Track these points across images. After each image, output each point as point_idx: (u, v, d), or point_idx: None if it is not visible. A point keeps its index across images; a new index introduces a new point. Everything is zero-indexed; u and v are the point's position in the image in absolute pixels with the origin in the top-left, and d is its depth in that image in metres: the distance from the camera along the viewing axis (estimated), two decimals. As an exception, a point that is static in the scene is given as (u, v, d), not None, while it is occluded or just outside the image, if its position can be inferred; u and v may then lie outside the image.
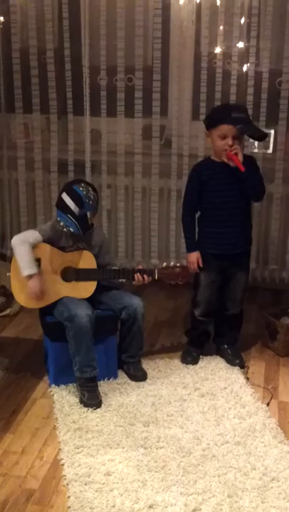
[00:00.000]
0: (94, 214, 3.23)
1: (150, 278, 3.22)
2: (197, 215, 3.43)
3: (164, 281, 3.27)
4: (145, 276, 3.21)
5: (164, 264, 3.30)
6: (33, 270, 3.11)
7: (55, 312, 3.18)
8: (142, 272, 3.22)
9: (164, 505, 2.41)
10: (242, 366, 3.47)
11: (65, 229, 3.12)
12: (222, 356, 3.54)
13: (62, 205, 3.13)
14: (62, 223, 3.12)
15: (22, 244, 3.12)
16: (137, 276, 3.20)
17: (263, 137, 3.36)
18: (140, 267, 3.28)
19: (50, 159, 4.48)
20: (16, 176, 4.59)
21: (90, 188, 3.18)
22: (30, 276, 3.11)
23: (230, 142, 3.14)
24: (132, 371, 3.34)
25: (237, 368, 3.45)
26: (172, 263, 3.31)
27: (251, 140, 4.06)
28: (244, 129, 3.18)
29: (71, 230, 3.11)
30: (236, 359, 3.50)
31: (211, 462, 2.66)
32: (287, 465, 2.65)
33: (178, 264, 3.30)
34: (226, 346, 3.55)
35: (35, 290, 3.12)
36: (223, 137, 3.16)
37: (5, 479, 2.58)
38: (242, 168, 3.12)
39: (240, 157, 3.15)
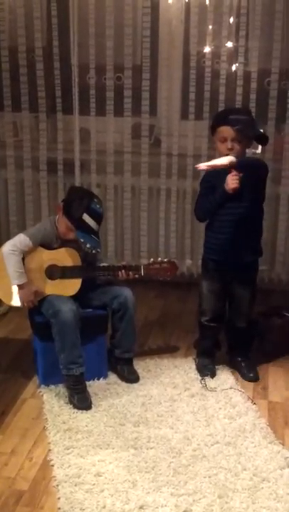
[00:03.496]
0: None
1: (136, 275, 3.20)
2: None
3: (150, 276, 3.24)
4: (130, 273, 3.19)
5: (151, 259, 3.27)
6: (23, 279, 3.12)
7: (43, 309, 3.17)
8: (127, 268, 3.21)
9: (154, 506, 2.41)
10: (256, 380, 3.35)
11: (87, 248, 3.07)
12: (236, 369, 3.43)
13: (84, 227, 3.07)
14: (82, 241, 3.06)
15: (13, 253, 3.10)
16: (121, 272, 3.19)
17: (263, 139, 3.17)
18: (125, 263, 3.27)
19: (40, 158, 4.46)
20: (5, 174, 4.57)
21: (97, 200, 3.15)
22: (20, 286, 3.12)
23: (229, 145, 3.03)
24: (126, 373, 3.32)
25: (227, 368, 3.44)
26: (159, 258, 3.28)
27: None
28: (242, 130, 3.01)
29: (88, 246, 3.07)
30: (250, 372, 3.38)
31: (201, 463, 2.66)
32: (278, 465, 2.65)
33: (165, 260, 3.27)
34: (239, 359, 3.43)
35: (28, 298, 3.14)
36: (223, 140, 3.05)
37: (-6, 481, 2.57)
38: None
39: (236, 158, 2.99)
